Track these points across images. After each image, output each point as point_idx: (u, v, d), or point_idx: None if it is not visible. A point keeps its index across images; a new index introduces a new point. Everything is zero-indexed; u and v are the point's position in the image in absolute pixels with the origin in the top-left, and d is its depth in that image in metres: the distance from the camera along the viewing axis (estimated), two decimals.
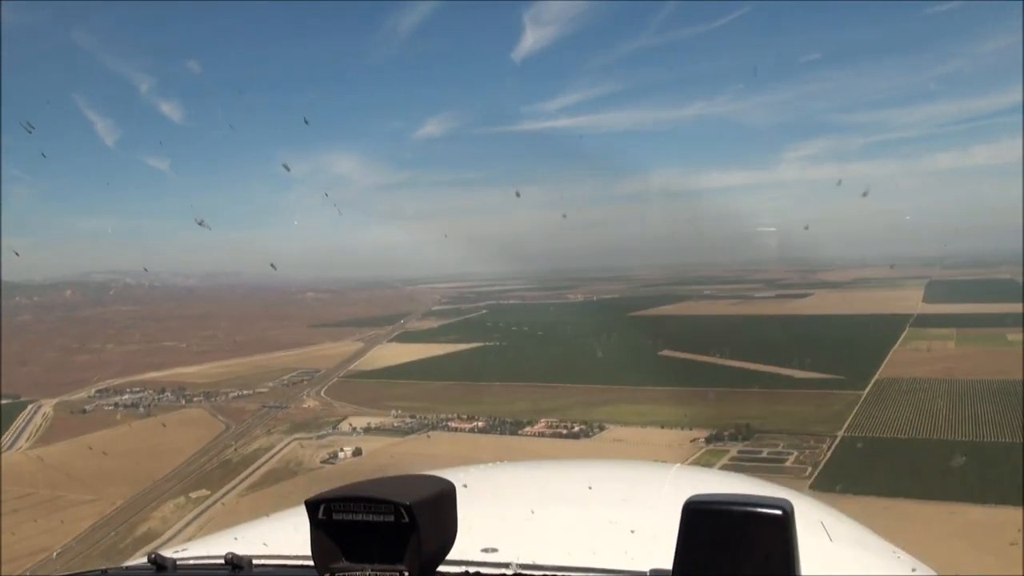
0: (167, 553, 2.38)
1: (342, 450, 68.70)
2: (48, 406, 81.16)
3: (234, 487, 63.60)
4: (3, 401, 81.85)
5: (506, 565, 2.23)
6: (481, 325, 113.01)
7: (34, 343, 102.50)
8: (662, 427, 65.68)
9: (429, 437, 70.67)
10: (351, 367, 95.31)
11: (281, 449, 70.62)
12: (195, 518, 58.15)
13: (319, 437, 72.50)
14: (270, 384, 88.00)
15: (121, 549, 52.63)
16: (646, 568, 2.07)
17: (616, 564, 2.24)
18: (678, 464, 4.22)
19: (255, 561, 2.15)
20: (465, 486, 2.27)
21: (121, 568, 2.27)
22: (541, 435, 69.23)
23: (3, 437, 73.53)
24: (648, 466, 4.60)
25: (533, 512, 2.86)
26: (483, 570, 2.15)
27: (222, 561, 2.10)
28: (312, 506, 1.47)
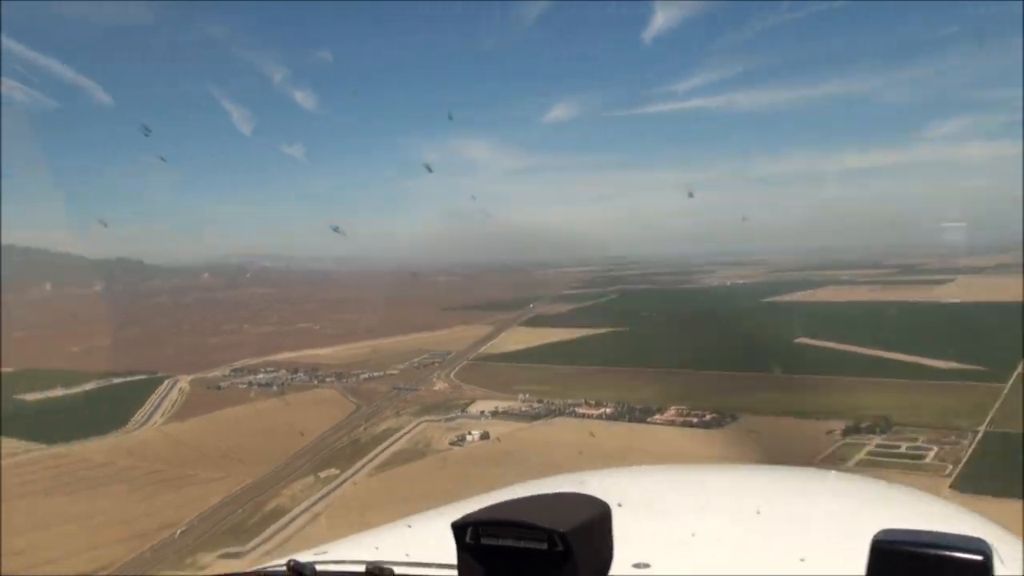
0: (306, 558, 2.30)
1: (470, 433, 66.77)
2: (184, 382, 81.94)
3: (363, 467, 62.40)
4: (140, 377, 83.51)
5: None
6: (612, 310, 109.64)
7: (171, 323, 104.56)
8: (796, 417, 61.25)
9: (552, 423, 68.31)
10: (481, 350, 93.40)
11: (410, 430, 69.19)
12: (323, 497, 57.11)
13: (447, 419, 70.75)
14: (400, 366, 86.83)
15: (248, 528, 51.74)
16: None
17: None
18: (835, 472, 4.48)
19: (396, 571, 1.91)
20: (620, 505, 2.18)
21: (261, 571, 2.19)
22: (671, 423, 65.63)
23: (138, 412, 74.21)
24: (809, 475, 4.13)
25: (694, 535, 2.64)
26: None
27: (363, 569, 1.90)
28: (459, 529, 1.39)
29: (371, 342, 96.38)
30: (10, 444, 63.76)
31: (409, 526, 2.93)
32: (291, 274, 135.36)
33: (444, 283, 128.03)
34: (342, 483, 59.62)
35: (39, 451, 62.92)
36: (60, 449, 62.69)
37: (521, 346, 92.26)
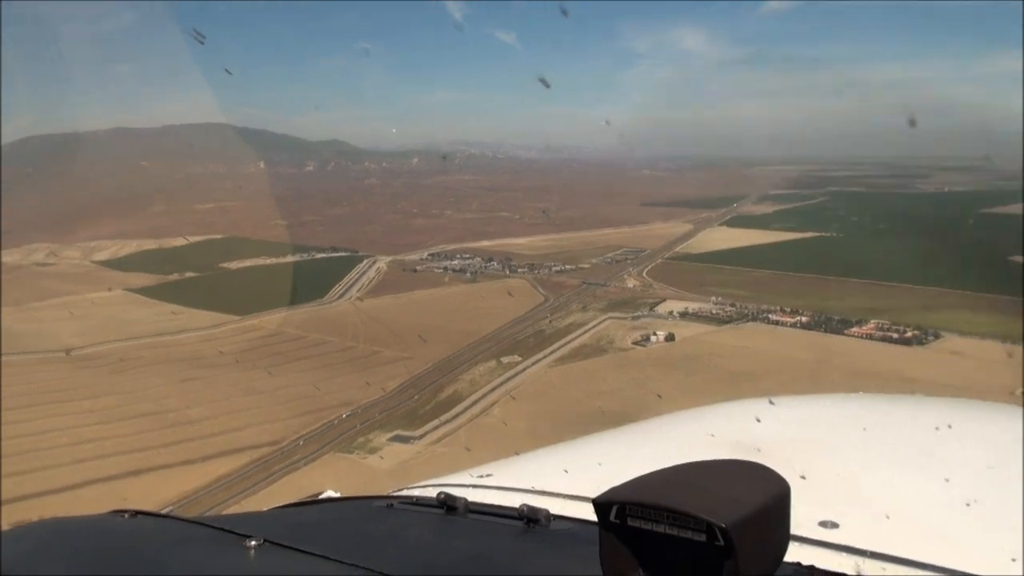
0: (465, 481, 2.44)
1: (655, 333, 64.82)
2: (383, 262, 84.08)
3: (544, 357, 62.10)
4: (342, 254, 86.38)
5: (855, 551, 1.81)
6: (819, 212, 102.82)
7: (378, 205, 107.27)
8: (1003, 341, 55.07)
9: (741, 328, 65.22)
10: (677, 249, 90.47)
11: (595, 326, 68.10)
12: (503, 383, 57.27)
13: (634, 318, 69.01)
14: (594, 260, 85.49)
15: (422, 413, 52.57)
16: None
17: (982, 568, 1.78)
18: None
19: (554, 507, 1.90)
20: (803, 477, 2.04)
21: (410, 500, 2.13)
22: (869, 337, 61.09)
23: (336, 287, 76.77)
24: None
25: (895, 489, 2.33)
26: (822, 554, 1.78)
27: (516, 514, 1.87)
28: (602, 507, 1.24)
29: (567, 234, 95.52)
30: (205, 316, 67.35)
31: (565, 471, 2.45)
32: (497, 162, 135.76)
33: (648, 177, 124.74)
34: (521, 372, 59.50)
35: (233, 324, 66.05)
36: (253, 321, 65.53)
37: (719, 247, 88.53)
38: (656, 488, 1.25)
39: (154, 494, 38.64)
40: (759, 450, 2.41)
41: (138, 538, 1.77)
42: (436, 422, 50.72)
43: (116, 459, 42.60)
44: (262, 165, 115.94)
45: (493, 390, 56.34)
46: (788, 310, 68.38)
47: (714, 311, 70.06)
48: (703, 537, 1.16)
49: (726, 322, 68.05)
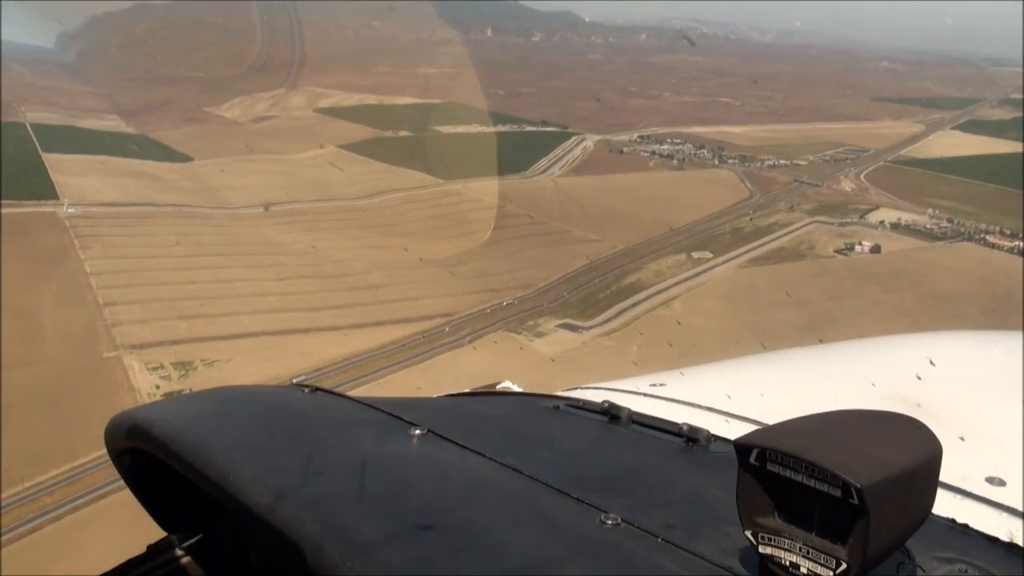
0: (632, 392, 2.43)
1: (860, 243, 61.21)
2: (591, 141, 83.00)
3: (738, 256, 60.10)
4: (552, 129, 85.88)
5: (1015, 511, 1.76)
6: None
7: (597, 81, 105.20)
8: None
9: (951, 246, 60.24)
10: (902, 152, 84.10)
11: (798, 228, 64.99)
12: (687, 279, 56.01)
13: (841, 224, 65.29)
14: (811, 157, 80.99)
15: (599, 300, 52.21)
16: None
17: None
18: None
19: (716, 432, 1.89)
20: (962, 438, 1.97)
21: (577, 403, 2.13)
22: None
23: (541, 160, 76.70)
24: None
25: None
26: (983, 510, 1.73)
27: (677, 430, 1.88)
28: (742, 449, 1.27)
29: (788, 126, 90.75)
30: (412, 177, 68.93)
31: (728, 396, 2.33)
32: (729, 43, 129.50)
33: (885, 70, 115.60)
34: (710, 269, 57.93)
35: (436, 187, 67.30)
36: (456, 186, 66.50)
37: (949, 153, 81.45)
38: (799, 437, 1.26)
39: (315, 352, 40.76)
40: (919, 404, 2.19)
41: (310, 413, 1.87)
42: (609, 313, 50.39)
43: (291, 315, 45.03)
44: (489, 33, 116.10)
45: (676, 284, 55.21)
46: (1008, 232, 62.61)
47: (928, 225, 65.21)
48: (839, 493, 1.17)
49: (939, 239, 63.33)
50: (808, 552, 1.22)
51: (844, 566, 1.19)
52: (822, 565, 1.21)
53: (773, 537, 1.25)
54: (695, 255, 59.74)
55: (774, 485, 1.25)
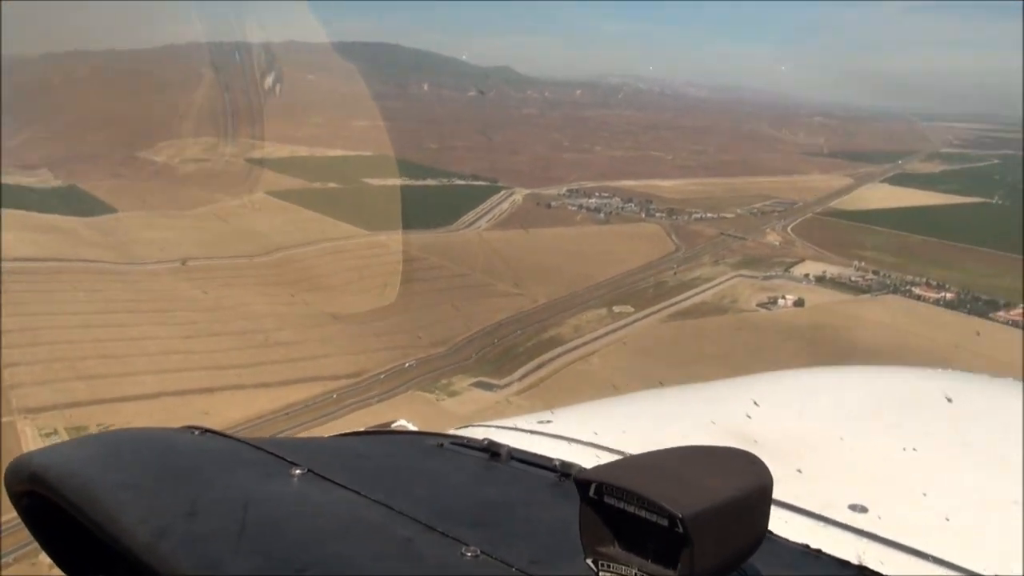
0: (527, 425, 2.55)
1: (784, 297, 61.70)
2: (520, 195, 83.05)
3: (659, 311, 60.15)
4: (481, 183, 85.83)
5: (875, 537, 1.84)
6: (989, 177, 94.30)
7: (530, 136, 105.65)
8: None
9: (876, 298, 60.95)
10: (831, 204, 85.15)
11: (721, 282, 65.36)
12: (607, 334, 55.86)
13: (765, 277, 65.85)
14: (738, 210, 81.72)
15: (516, 355, 51.86)
16: None
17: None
18: None
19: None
20: (799, 471, 2.05)
21: (460, 440, 2.23)
22: (1014, 323, 55.77)
23: (467, 215, 76.50)
24: None
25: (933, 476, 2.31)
26: (830, 532, 1.83)
27: (553, 467, 1.97)
28: (581, 484, 1.36)
29: (717, 180, 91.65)
30: (337, 228, 68.40)
31: (595, 432, 2.47)
32: (664, 99, 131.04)
33: (818, 124, 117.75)
34: (630, 324, 57.90)
35: (362, 238, 66.77)
36: (382, 238, 66.01)
37: (876, 205, 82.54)
38: (632, 471, 1.35)
39: (216, 414, 39.77)
40: (783, 437, 2.30)
41: (198, 455, 1.91)
42: (525, 368, 49.99)
43: (196, 374, 44.03)
44: (426, 88, 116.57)
45: (595, 339, 55.08)
46: (934, 284, 63.52)
47: (854, 278, 65.92)
48: (666, 522, 1.25)
49: (864, 291, 64.06)
50: None
51: None
52: None
53: (612, 564, 1.34)
54: (616, 309, 59.74)
55: (612, 516, 1.33)
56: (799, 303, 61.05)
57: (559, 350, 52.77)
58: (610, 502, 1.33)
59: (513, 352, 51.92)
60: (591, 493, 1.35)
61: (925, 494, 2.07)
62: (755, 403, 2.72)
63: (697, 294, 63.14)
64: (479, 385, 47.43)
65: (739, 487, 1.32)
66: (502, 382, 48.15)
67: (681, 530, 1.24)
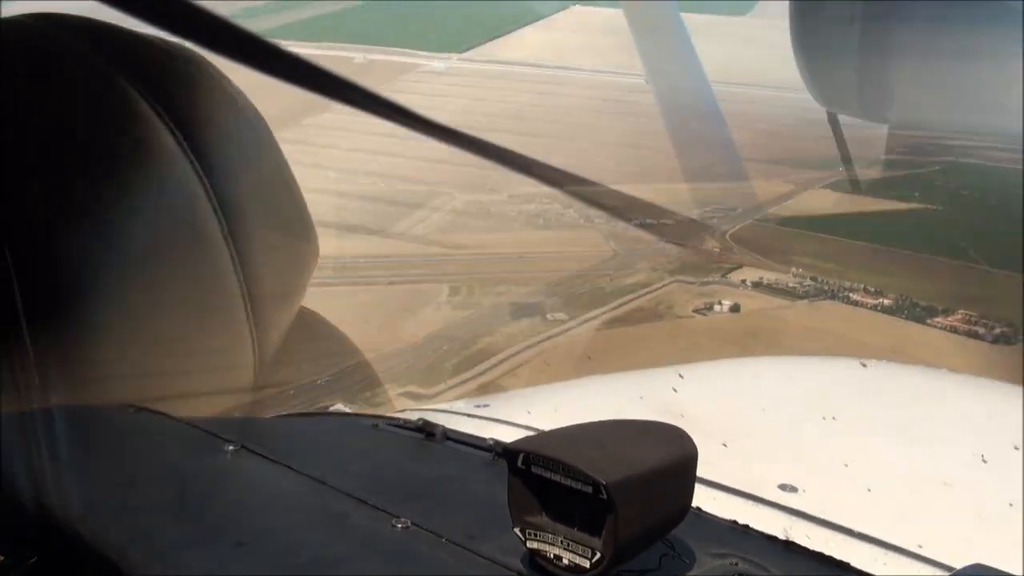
0: (465, 408, 2.38)
1: (720, 303, 60.53)
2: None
3: (593, 319, 58.99)
4: None
5: (804, 515, 1.68)
6: (929, 184, 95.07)
7: None
8: None
9: (814, 305, 60.45)
10: (772, 210, 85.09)
11: (658, 288, 64.48)
12: (542, 342, 54.70)
13: (702, 284, 64.67)
14: (677, 216, 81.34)
15: (446, 366, 50.46)
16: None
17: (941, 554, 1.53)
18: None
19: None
20: (725, 446, 1.91)
21: (396, 421, 1.95)
22: (952, 329, 55.05)
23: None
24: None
25: (866, 455, 2.08)
26: (759, 511, 1.70)
27: (487, 447, 1.73)
28: (510, 455, 1.25)
29: (659, 185, 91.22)
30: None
31: (528, 411, 2.22)
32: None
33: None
34: (563, 333, 56.78)
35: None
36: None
37: (820, 211, 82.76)
38: (559, 441, 1.27)
39: None
40: (721, 421, 2.12)
41: (132, 431, 1.80)
42: (447, 383, 48.71)
43: None
44: None
45: (527, 348, 53.70)
46: (872, 290, 63.18)
47: (791, 284, 64.67)
48: (591, 490, 1.17)
49: (801, 297, 62.84)
50: (568, 545, 1.24)
51: (599, 555, 1.19)
52: (579, 556, 1.22)
53: (539, 533, 1.26)
54: (549, 317, 58.66)
55: (539, 486, 1.26)
56: (735, 308, 60.33)
57: (493, 360, 51.39)
58: (537, 471, 1.24)
59: (444, 362, 50.62)
60: (519, 463, 1.24)
61: (849, 469, 1.88)
62: (680, 375, 2.44)
63: (634, 299, 62.05)
64: (407, 395, 46.00)
65: (664, 457, 1.23)
66: (432, 391, 46.82)
67: (605, 497, 1.16)
